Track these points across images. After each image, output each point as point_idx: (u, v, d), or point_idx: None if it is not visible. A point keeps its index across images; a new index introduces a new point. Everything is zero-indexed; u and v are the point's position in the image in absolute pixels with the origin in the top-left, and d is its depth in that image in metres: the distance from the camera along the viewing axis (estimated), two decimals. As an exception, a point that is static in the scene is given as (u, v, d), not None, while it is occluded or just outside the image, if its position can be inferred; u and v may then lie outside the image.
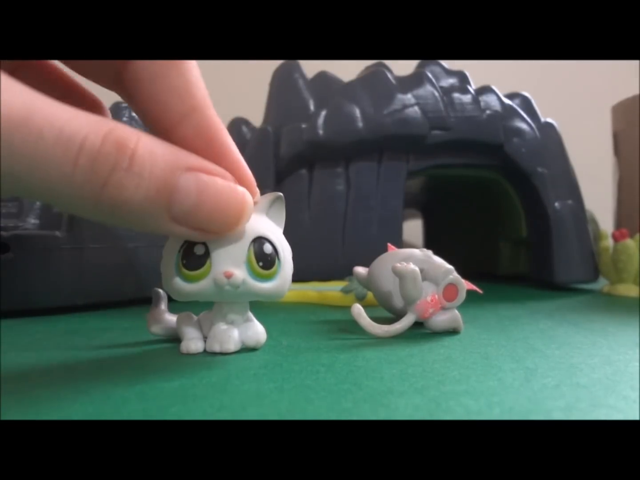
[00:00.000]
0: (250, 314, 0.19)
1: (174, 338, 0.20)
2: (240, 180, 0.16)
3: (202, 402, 0.13)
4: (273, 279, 0.17)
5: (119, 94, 0.17)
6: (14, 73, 0.13)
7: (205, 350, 0.18)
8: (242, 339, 0.19)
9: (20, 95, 0.11)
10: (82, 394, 0.14)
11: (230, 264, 0.16)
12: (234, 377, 0.15)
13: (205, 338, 0.19)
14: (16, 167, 0.11)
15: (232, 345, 0.18)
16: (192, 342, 0.18)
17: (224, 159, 0.16)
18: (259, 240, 0.17)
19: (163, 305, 0.20)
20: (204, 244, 0.16)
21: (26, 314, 0.27)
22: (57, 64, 0.17)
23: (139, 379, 0.15)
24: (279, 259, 0.17)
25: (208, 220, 0.14)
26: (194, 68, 0.15)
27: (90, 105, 0.18)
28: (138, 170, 0.12)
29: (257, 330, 0.19)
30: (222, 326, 0.18)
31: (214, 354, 0.18)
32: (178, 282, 0.16)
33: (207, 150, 0.15)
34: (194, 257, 0.16)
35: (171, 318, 0.20)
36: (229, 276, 0.16)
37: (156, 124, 0.15)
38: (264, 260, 0.17)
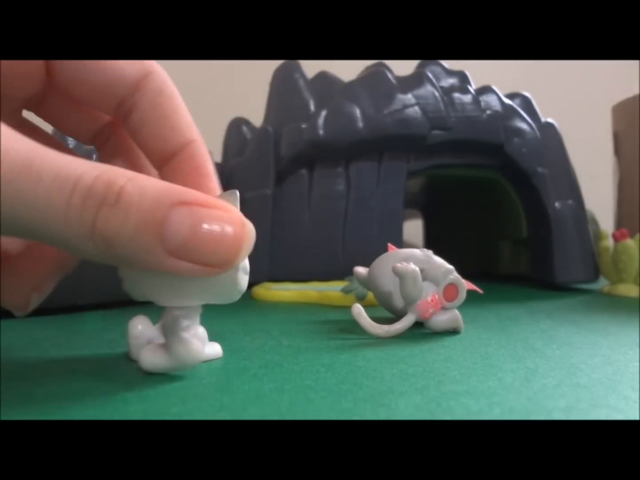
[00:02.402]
0: None
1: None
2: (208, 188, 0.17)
3: (203, 402, 0.13)
4: None
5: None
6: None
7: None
8: None
9: (22, 143, 0.12)
10: (82, 394, 0.14)
11: None
12: (235, 377, 0.15)
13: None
14: (18, 210, 0.12)
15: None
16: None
17: (205, 183, 0.17)
18: None
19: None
20: None
21: (26, 314, 0.27)
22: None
23: (139, 379, 0.15)
24: None
25: (206, 252, 0.14)
26: (183, 103, 0.17)
27: None
28: (125, 206, 0.13)
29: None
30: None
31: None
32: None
33: (194, 176, 0.17)
34: None
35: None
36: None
37: (151, 156, 0.17)
38: None
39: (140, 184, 0.13)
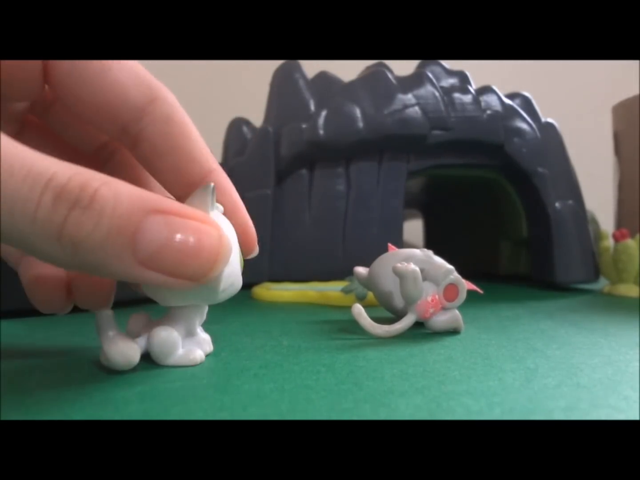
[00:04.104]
0: None
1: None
2: (244, 232, 0.17)
3: (203, 402, 0.13)
4: None
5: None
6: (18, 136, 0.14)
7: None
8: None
9: None
10: (83, 394, 0.14)
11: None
12: (235, 377, 0.15)
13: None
14: None
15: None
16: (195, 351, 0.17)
17: (235, 211, 0.17)
18: None
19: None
20: None
21: (26, 314, 0.27)
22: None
23: (140, 379, 0.15)
24: None
25: (179, 264, 0.13)
26: (195, 129, 0.16)
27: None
28: (99, 209, 0.12)
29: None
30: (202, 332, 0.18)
31: (214, 352, 0.18)
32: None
33: (224, 203, 0.17)
34: None
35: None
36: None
37: (168, 187, 0.17)
38: None
39: (116, 188, 0.12)
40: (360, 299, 0.30)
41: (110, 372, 0.16)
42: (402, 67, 0.42)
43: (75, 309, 0.29)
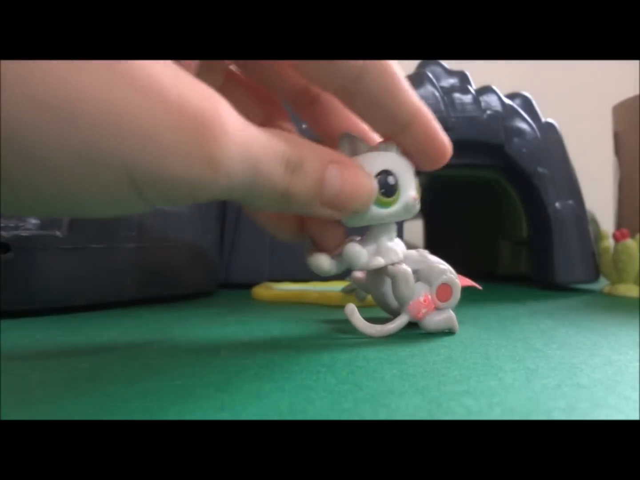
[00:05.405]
0: None
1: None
2: (442, 149, 0.19)
3: (203, 402, 0.13)
4: None
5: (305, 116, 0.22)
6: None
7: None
8: None
9: (247, 125, 0.14)
10: (83, 393, 0.14)
11: (413, 190, 0.20)
12: (235, 377, 0.15)
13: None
14: (246, 172, 0.14)
15: None
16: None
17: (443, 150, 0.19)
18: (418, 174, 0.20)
19: None
20: (393, 174, 0.19)
21: (26, 314, 0.27)
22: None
23: (140, 379, 0.15)
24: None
25: (347, 203, 0.17)
26: (403, 76, 0.18)
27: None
28: (305, 169, 0.16)
29: None
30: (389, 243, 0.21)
31: (215, 352, 0.18)
32: (374, 209, 0.19)
33: (431, 149, 0.19)
34: (389, 186, 0.19)
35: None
36: (415, 199, 0.20)
37: (381, 130, 0.19)
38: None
39: (309, 148, 0.16)
40: (360, 299, 0.30)
41: (110, 371, 0.16)
42: (402, 67, 0.42)
43: (75, 309, 0.29)
